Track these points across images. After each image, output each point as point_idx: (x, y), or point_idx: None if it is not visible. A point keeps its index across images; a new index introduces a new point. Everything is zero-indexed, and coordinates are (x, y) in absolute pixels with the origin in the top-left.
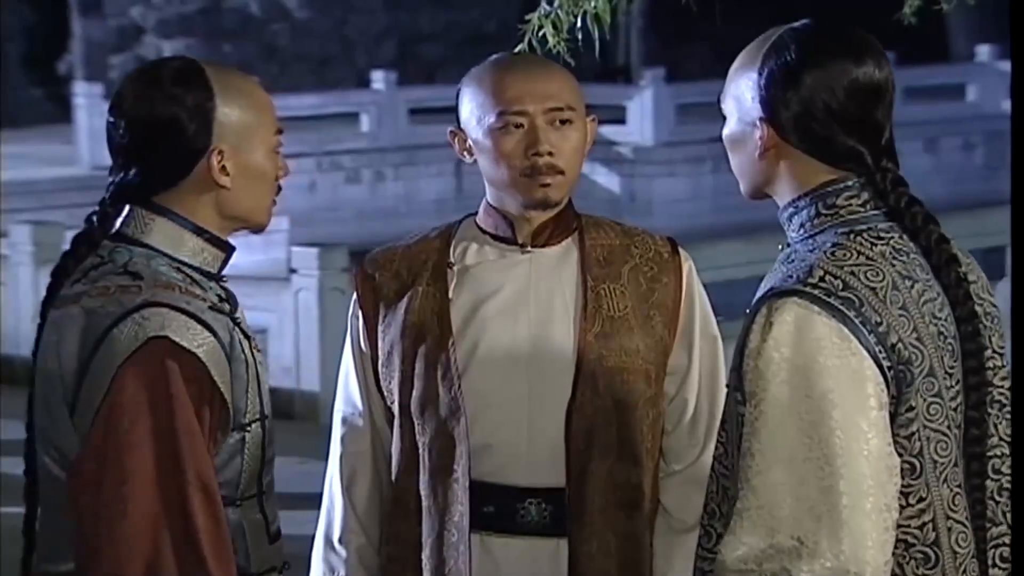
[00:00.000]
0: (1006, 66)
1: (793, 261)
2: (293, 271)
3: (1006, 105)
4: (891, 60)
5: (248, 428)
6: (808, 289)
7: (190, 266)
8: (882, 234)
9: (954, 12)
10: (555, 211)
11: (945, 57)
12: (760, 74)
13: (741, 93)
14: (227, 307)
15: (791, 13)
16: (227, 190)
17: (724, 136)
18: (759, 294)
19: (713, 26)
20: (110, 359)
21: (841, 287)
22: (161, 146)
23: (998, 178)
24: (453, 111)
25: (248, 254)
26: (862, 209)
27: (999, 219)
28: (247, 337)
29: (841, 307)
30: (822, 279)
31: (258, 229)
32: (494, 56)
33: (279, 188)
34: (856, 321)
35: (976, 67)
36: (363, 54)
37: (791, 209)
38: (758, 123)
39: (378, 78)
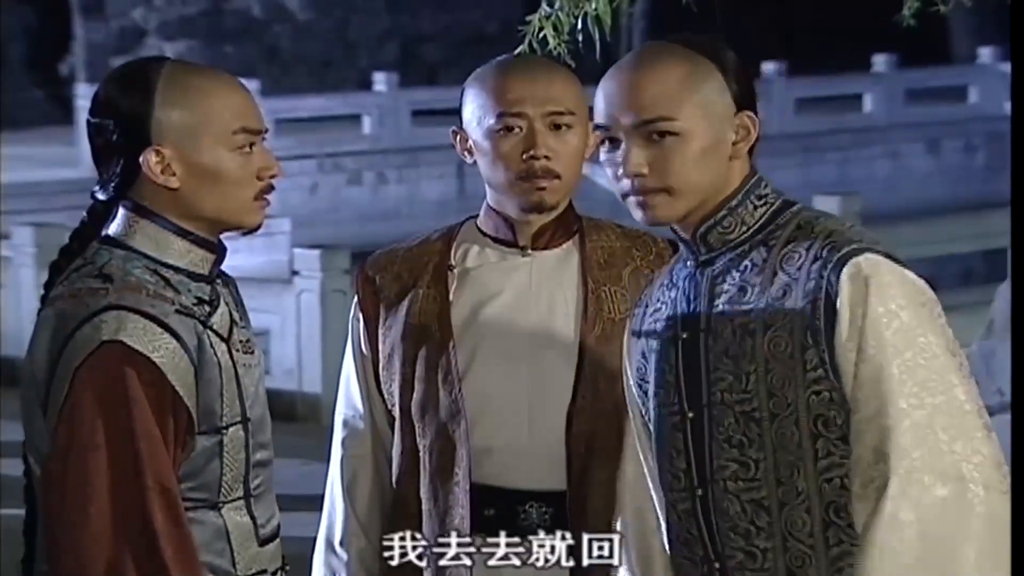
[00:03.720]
0: (1008, 68)
1: (790, 244)
2: (295, 273)
3: (1008, 107)
4: (892, 62)
5: (225, 431)
6: (868, 246)
7: (175, 268)
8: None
9: (955, 14)
10: (554, 214)
11: (946, 59)
12: (726, 73)
13: (706, 97)
14: (204, 309)
15: (790, 14)
16: (180, 191)
17: (692, 153)
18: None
19: (714, 28)
20: (69, 362)
21: (875, 242)
22: (101, 148)
23: (999, 180)
24: (455, 112)
25: (250, 256)
26: (771, 193)
27: (1000, 221)
28: (224, 339)
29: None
30: (859, 241)
31: (245, 230)
32: (499, 57)
33: (269, 187)
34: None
35: (978, 69)
36: (365, 56)
37: (723, 211)
38: (740, 118)
39: (380, 80)
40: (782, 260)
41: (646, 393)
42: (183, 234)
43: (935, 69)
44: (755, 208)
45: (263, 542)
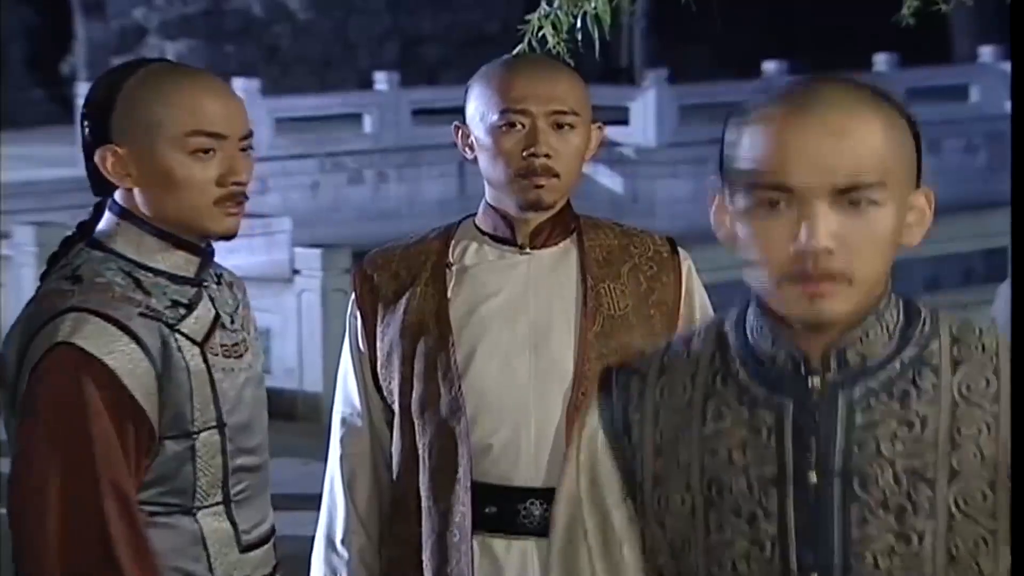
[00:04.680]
0: (1009, 67)
1: (964, 364)
2: (296, 272)
3: (1009, 106)
4: (893, 61)
5: (196, 435)
6: None
7: (155, 270)
8: None
9: (956, 13)
10: (551, 213)
11: (947, 58)
12: (916, 135)
13: (907, 163)
14: (178, 312)
15: (791, 14)
16: (140, 192)
17: (888, 232)
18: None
19: (715, 27)
20: (29, 363)
21: None
22: (81, 145)
23: (1001, 179)
24: (456, 112)
25: (251, 255)
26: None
27: (1001, 220)
28: (197, 343)
29: None
30: None
31: (214, 237)
32: (506, 56)
33: (232, 194)
34: None
35: (979, 68)
36: (365, 55)
37: (871, 316)
38: (918, 196)
39: (381, 79)
40: (962, 387)
41: (688, 521)
42: (163, 236)
43: (936, 68)
44: (895, 309)
45: (246, 548)
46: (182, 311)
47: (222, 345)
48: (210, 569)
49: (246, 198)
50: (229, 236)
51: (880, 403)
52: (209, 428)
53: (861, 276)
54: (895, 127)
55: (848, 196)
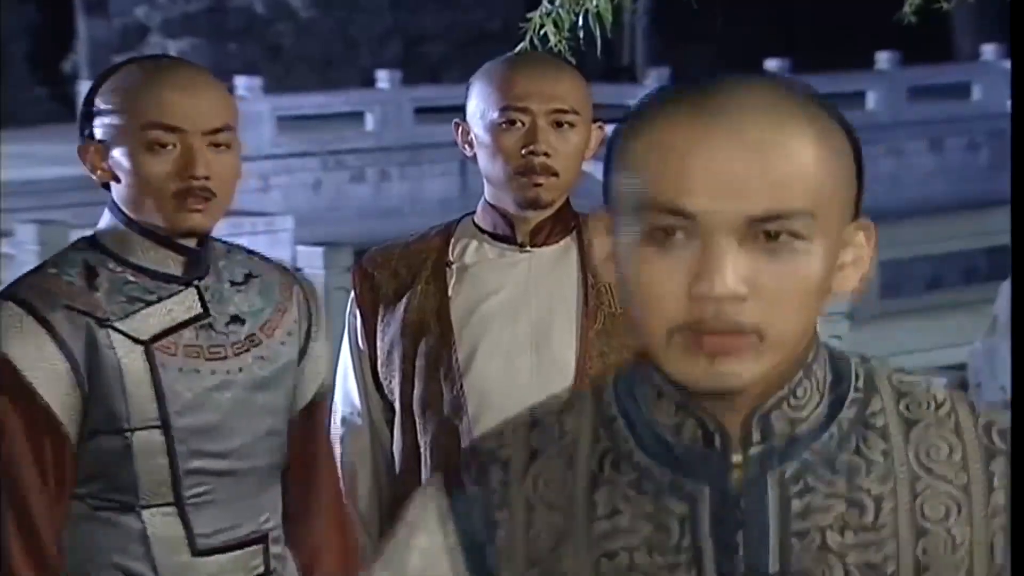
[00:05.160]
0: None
1: (916, 426)
2: (298, 270)
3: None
4: (896, 59)
5: (130, 434)
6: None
7: (135, 267)
8: None
9: (958, 11)
10: (551, 211)
11: (950, 56)
12: (858, 155)
13: (843, 191)
14: (126, 308)
15: (792, 11)
16: (116, 187)
17: (814, 278)
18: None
19: (716, 25)
20: None
21: None
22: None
23: (1003, 178)
24: (458, 110)
25: None
26: None
27: (1003, 219)
28: (142, 342)
29: None
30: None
31: (180, 234)
32: (508, 53)
33: (190, 189)
34: None
35: (981, 66)
36: (367, 54)
37: (799, 375)
38: (857, 231)
39: (383, 77)
40: (920, 455)
41: None
42: (145, 234)
43: (938, 66)
44: (823, 362)
45: (202, 552)
46: (134, 307)
47: (189, 345)
48: (154, 569)
49: (212, 194)
50: (198, 233)
51: (820, 482)
52: (149, 428)
53: (777, 332)
54: (831, 143)
55: (765, 228)
